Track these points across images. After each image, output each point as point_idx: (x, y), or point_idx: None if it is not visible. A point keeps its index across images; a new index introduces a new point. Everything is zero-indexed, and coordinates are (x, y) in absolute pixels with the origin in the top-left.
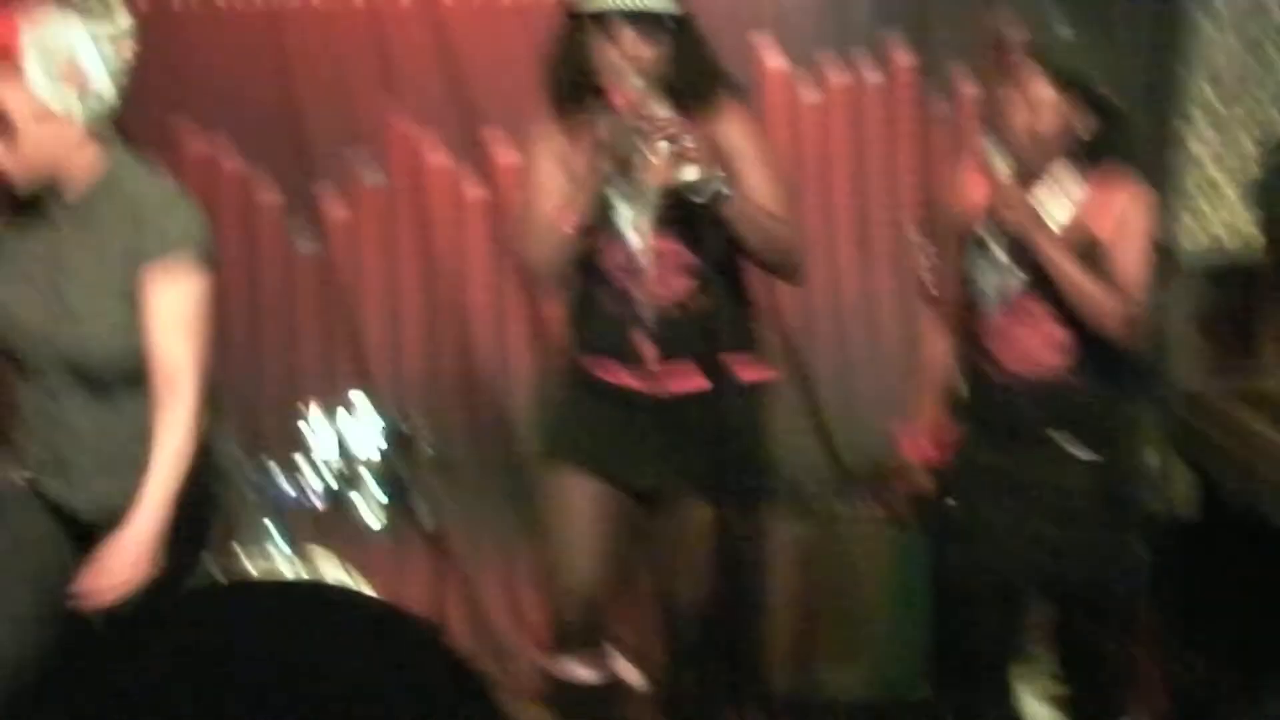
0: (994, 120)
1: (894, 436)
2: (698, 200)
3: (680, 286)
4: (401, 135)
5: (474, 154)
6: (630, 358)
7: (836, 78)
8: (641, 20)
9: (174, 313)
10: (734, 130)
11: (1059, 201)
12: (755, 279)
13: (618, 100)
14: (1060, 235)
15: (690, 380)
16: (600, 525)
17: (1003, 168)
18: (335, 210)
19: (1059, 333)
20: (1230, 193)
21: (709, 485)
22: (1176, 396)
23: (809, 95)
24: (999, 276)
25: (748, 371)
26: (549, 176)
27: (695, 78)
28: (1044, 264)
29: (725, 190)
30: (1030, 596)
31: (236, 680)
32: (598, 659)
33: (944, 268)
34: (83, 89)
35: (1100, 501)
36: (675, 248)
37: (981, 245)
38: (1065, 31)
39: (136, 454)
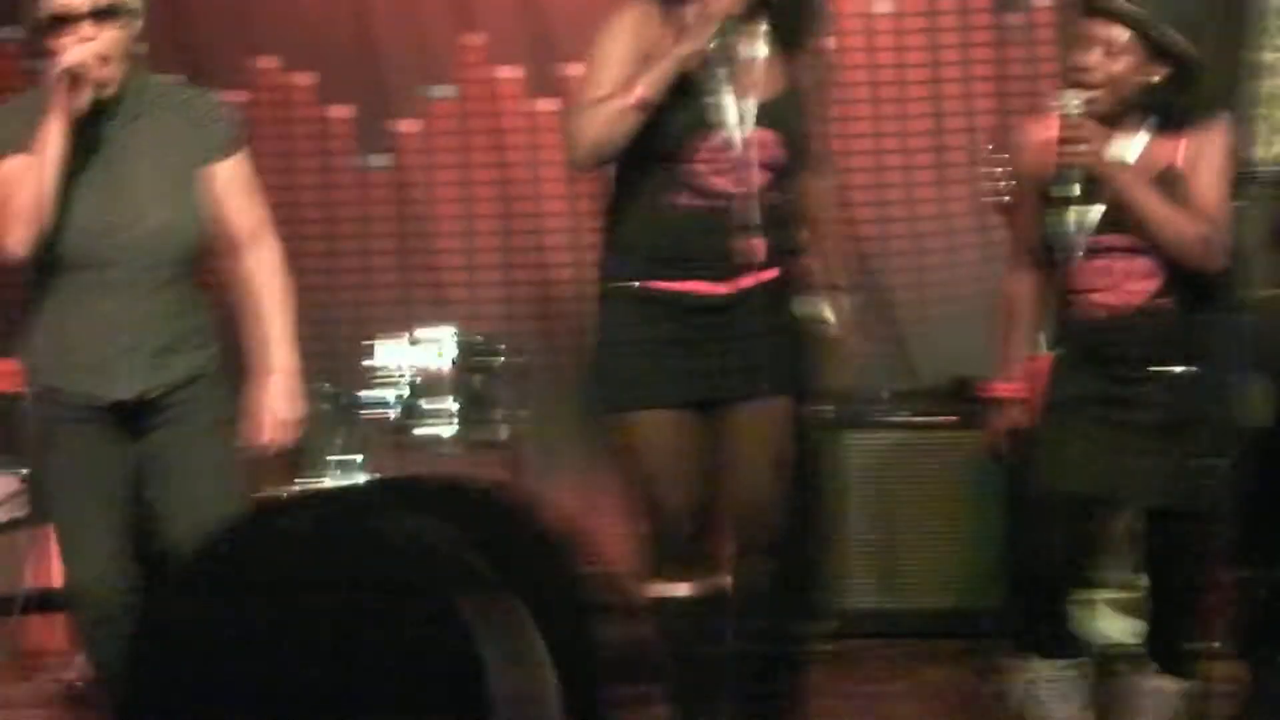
0: (1069, 60)
1: (983, 373)
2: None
3: (765, 181)
4: (471, 48)
5: (544, 67)
6: (707, 259)
7: None
8: None
9: (242, 187)
10: (817, 65)
11: (1132, 142)
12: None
13: None
14: (1133, 167)
15: (759, 276)
16: (682, 455)
17: (1077, 104)
18: (407, 124)
19: (1143, 262)
20: None
21: (782, 381)
22: (1252, 306)
23: (882, 5)
24: (1079, 215)
25: (792, 267)
26: (621, 49)
27: (795, 18)
28: (1120, 195)
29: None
30: (1109, 515)
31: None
32: (700, 578)
33: (1023, 208)
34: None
35: (1193, 415)
36: (769, 138)
37: (1058, 186)
38: None
39: (182, 336)
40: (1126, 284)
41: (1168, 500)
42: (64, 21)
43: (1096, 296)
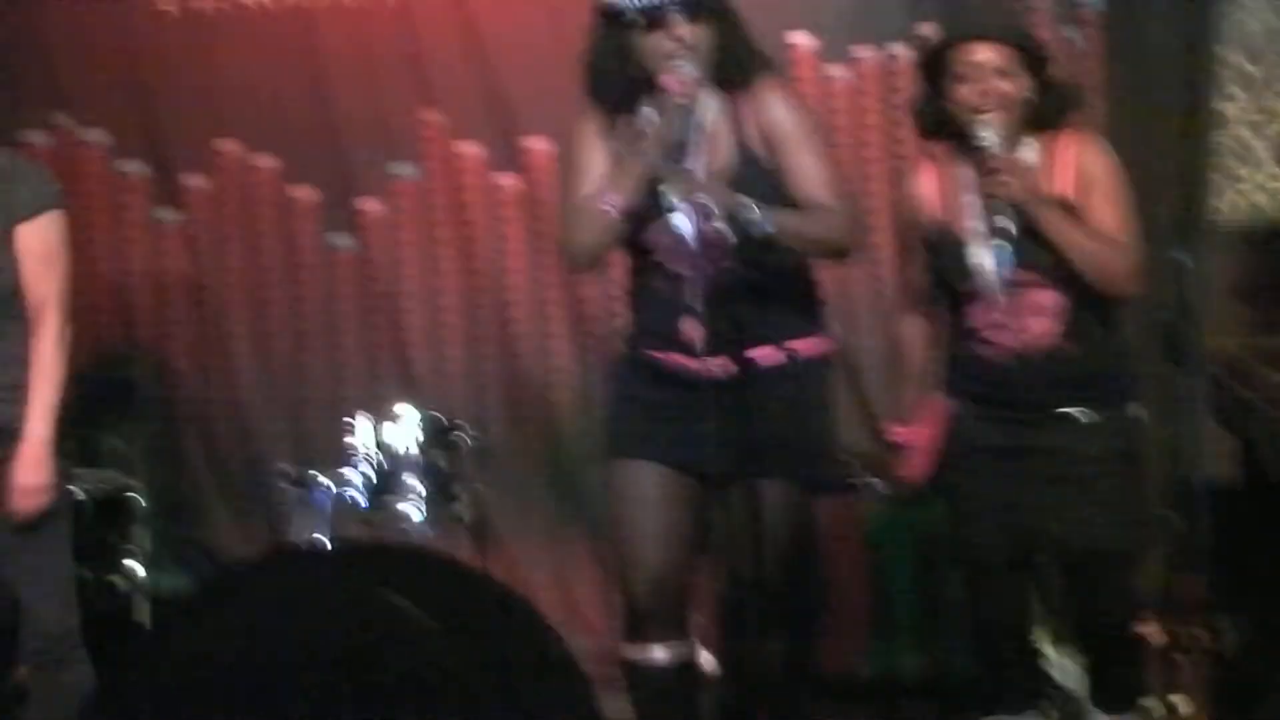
0: (965, 92)
1: (887, 425)
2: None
3: (725, 264)
4: (433, 127)
5: (506, 143)
6: (684, 340)
7: (867, 55)
8: (689, 7)
9: (40, 254)
10: (776, 107)
11: (1024, 164)
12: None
13: (672, 84)
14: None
15: (747, 359)
16: (668, 511)
17: (991, 137)
18: (370, 203)
19: (1052, 299)
20: (1266, 157)
21: (774, 464)
22: (1214, 361)
23: (838, 71)
24: (986, 254)
25: (806, 346)
26: (593, 161)
27: (736, 59)
28: (1043, 231)
29: (757, 220)
30: (1041, 565)
31: (313, 644)
32: (671, 642)
33: (910, 259)
34: None
35: (1103, 462)
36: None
37: (953, 232)
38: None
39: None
40: (1027, 321)
41: (1087, 546)
42: None
43: (994, 336)
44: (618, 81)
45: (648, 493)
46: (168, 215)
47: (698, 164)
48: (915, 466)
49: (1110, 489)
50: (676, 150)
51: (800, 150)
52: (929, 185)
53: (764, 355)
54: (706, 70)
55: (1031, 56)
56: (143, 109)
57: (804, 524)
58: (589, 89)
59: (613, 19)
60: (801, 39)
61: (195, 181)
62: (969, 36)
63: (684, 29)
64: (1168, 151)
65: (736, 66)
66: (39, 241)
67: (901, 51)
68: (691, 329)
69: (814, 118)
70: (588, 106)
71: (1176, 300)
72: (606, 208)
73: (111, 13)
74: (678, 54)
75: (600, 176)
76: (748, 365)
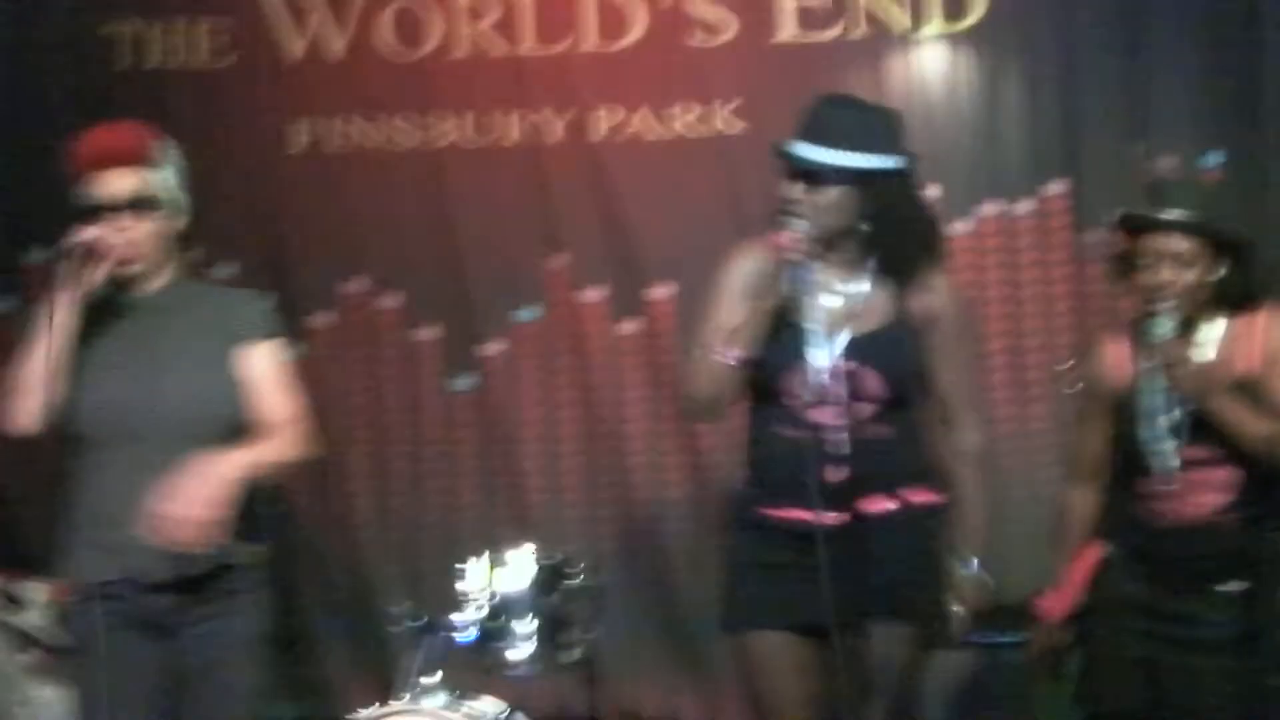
0: (1141, 282)
1: (1036, 589)
2: None
3: (866, 414)
4: (556, 269)
5: (629, 288)
6: (808, 490)
7: (988, 207)
8: (818, 175)
9: (272, 377)
10: (939, 295)
11: (1209, 340)
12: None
13: (780, 240)
14: (1220, 378)
15: (872, 506)
16: (794, 676)
17: (1169, 326)
18: (493, 346)
19: (1227, 475)
20: None
21: (894, 612)
22: None
23: (960, 225)
24: (1166, 436)
25: (921, 496)
26: (725, 302)
27: (892, 234)
28: (1216, 418)
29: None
30: None
31: None
32: None
33: (1088, 428)
34: (181, 200)
35: (1243, 630)
36: (865, 372)
37: (1134, 406)
38: (1187, 178)
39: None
40: (1200, 496)
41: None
42: (105, 210)
43: (1163, 506)
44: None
45: (773, 663)
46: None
47: (836, 320)
48: (1058, 604)
49: (1244, 664)
50: (807, 299)
51: (952, 341)
52: (1116, 356)
53: (878, 505)
54: (863, 241)
55: (1224, 241)
56: (270, 245)
57: (923, 665)
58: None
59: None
60: (929, 191)
61: (322, 319)
62: (1152, 226)
63: (800, 187)
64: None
65: (894, 235)
66: (271, 362)
67: (1027, 208)
68: (831, 473)
69: (968, 313)
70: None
71: None
72: (726, 359)
73: (244, 152)
74: (795, 211)
75: (733, 318)
76: (863, 516)
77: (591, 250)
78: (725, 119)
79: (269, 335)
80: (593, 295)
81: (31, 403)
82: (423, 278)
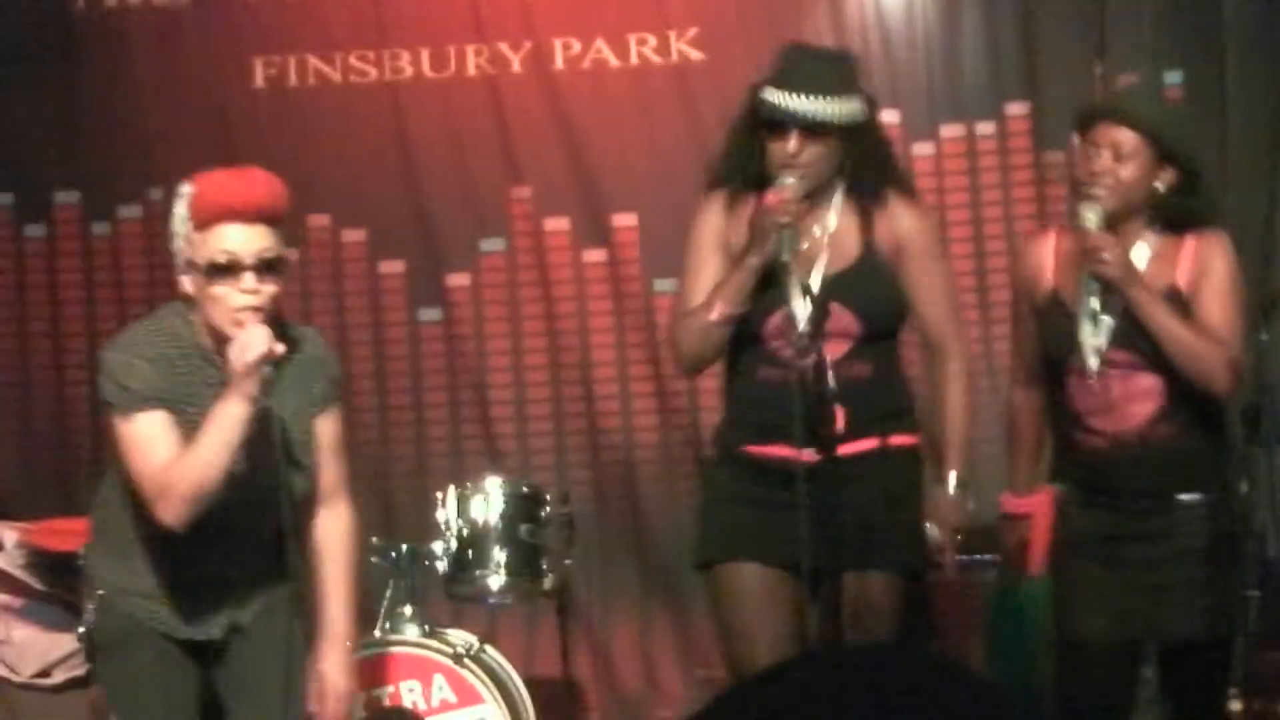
0: (1080, 170)
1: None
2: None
3: (842, 352)
4: (518, 200)
5: (592, 218)
6: (791, 429)
7: (949, 130)
8: (810, 125)
9: (334, 442)
10: (906, 219)
11: (1138, 252)
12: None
13: (770, 200)
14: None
15: (851, 446)
16: (776, 610)
17: (1093, 216)
18: (457, 278)
19: (1148, 379)
20: None
21: (874, 554)
22: None
23: (921, 148)
24: (1089, 332)
25: (900, 439)
26: (706, 262)
27: (868, 170)
28: (1139, 314)
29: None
30: (1145, 652)
31: None
32: None
33: (1023, 324)
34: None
35: (1207, 543)
36: (838, 309)
37: (1064, 305)
38: (1147, 86)
39: (272, 582)
40: (1127, 405)
41: (1191, 633)
42: (225, 270)
43: (1095, 422)
44: (741, 172)
45: (745, 595)
46: None
47: (815, 266)
48: (1032, 558)
49: (1213, 575)
50: (786, 247)
51: (926, 266)
52: (1046, 255)
53: (858, 445)
54: (838, 179)
55: (1170, 151)
56: None
57: (903, 611)
58: (718, 169)
59: (751, 111)
60: (889, 116)
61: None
62: (1098, 115)
63: (797, 144)
64: (1248, 230)
65: (868, 177)
66: (335, 428)
67: (987, 130)
68: (830, 415)
69: (939, 231)
70: (711, 188)
71: (1258, 381)
72: (715, 318)
73: (204, 90)
74: (785, 169)
75: (711, 273)
76: (843, 456)
77: (554, 180)
78: (682, 48)
79: (337, 401)
80: (556, 225)
81: (186, 509)
82: (386, 211)
